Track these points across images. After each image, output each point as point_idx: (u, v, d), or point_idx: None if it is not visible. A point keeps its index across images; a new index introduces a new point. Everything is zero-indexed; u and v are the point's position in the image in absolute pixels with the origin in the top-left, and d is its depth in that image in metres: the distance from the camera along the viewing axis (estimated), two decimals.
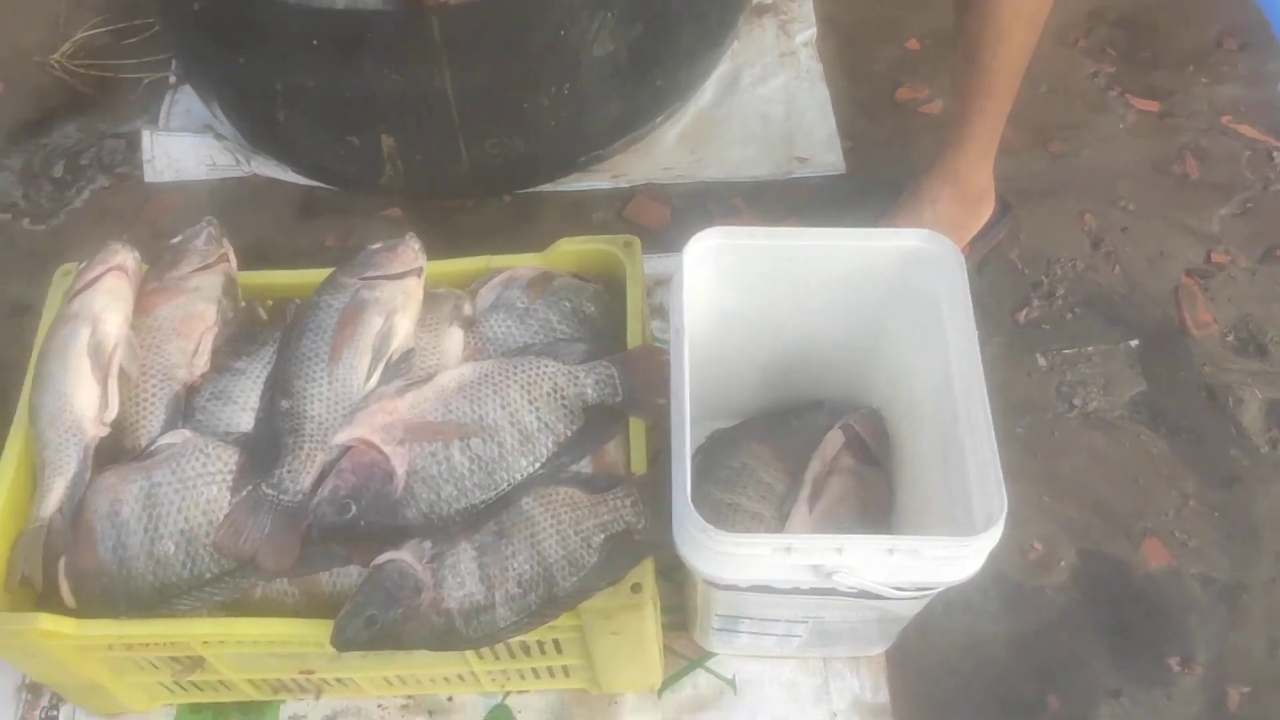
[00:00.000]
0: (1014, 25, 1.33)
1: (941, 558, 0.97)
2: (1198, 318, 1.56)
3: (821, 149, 1.82)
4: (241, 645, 1.08)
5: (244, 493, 1.03)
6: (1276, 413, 1.47)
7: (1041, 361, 1.54)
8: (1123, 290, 1.61)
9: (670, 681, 1.28)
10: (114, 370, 1.09)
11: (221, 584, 1.03)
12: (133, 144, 1.85)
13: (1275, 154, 1.77)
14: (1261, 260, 1.64)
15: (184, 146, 1.82)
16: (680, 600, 1.31)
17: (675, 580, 1.32)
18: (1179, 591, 1.33)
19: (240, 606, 1.08)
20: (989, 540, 0.96)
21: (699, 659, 1.29)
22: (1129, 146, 1.79)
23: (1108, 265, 1.64)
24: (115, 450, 1.09)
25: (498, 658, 1.13)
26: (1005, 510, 0.95)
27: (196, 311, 1.16)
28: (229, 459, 1.05)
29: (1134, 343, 1.55)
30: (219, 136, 1.82)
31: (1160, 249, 1.65)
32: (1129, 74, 1.90)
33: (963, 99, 1.46)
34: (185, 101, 1.91)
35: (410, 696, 1.27)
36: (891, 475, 1.32)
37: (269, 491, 1.03)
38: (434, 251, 1.25)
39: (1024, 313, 1.58)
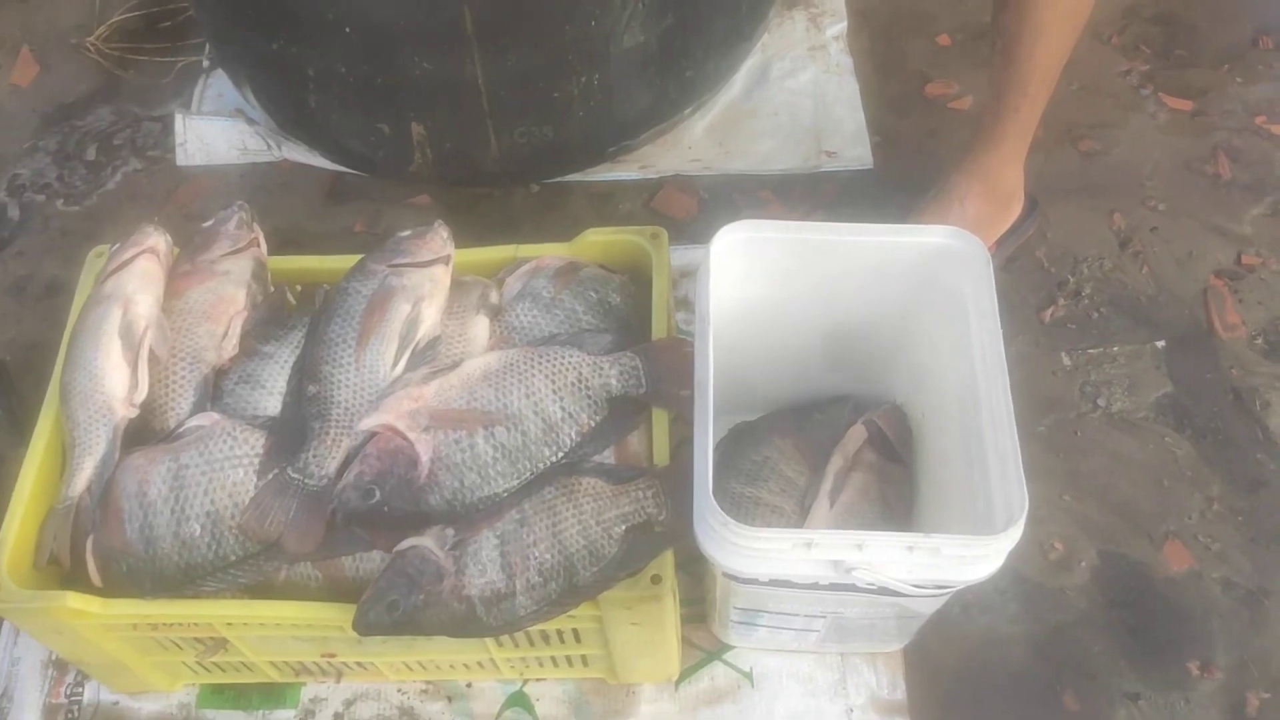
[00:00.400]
0: (1052, 23, 1.32)
1: (962, 556, 0.97)
2: (1226, 320, 1.55)
3: (850, 143, 1.81)
4: (264, 627, 1.09)
5: (270, 476, 1.04)
6: None
7: (1066, 360, 1.53)
8: (1150, 290, 1.60)
9: (688, 673, 1.28)
10: (144, 352, 1.10)
11: (246, 566, 1.05)
12: (166, 127, 1.87)
13: None
14: None
15: (216, 130, 1.84)
16: (699, 593, 1.31)
17: (694, 573, 1.33)
18: (1200, 595, 1.32)
19: (264, 589, 1.09)
20: (1009, 540, 0.95)
21: (716, 651, 1.30)
22: (1161, 145, 1.78)
23: (1136, 265, 1.62)
24: (144, 431, 1.10)
25: (517, 645, 1.14)
26: (1026, 510, 0.95)
27: (226, 295, 1.17)
28: (256, 442, 1.06)
29: (1160, 343, 1.54)
30: (250, 121, 1.83)
31: (1190, 250, 1.64)
32: (1162, 72, 1.89)
33: (997, 97, 1.45)
34: (217, 85, 1.92)
35: (430, 681, 1.28)
36: (914, 472, 1.32)
37: (294, 476, 1.04)
38: (461, 239, 1.26)
39: (1050, 311, 1.58)
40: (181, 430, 1.08)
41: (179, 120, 1.84)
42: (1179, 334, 1.55)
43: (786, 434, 1.31)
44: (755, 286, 1.22)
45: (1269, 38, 1.92)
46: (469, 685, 1.28)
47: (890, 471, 1.28)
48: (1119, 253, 1.64)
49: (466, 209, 1.76)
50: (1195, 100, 1.84)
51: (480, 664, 1.21)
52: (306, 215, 1.77)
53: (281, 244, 1.67)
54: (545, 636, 1.13)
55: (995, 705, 1.26)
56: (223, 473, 1.03)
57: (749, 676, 1.28)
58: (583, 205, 1.76)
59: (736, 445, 1.33)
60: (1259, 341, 1.54)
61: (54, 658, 1.31)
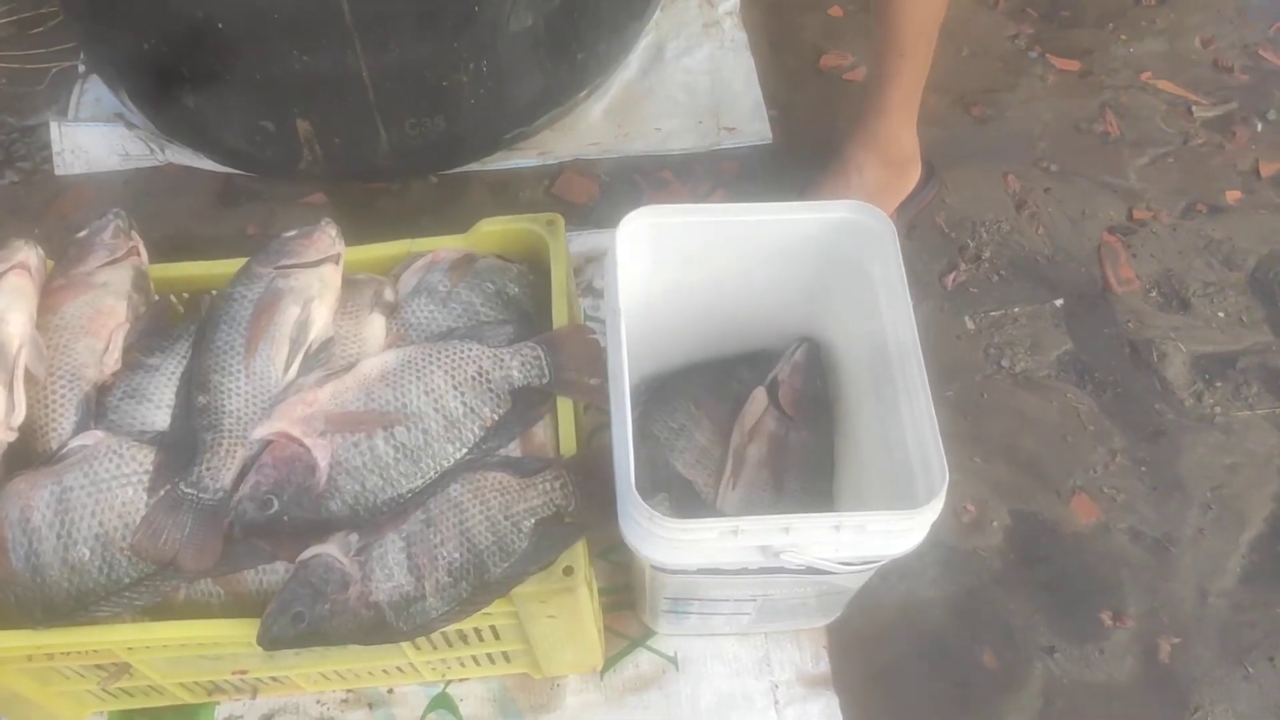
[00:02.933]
0: None
1: (887, 531, 0.97)
2: (1120, 275, 1.58)
3: (748, 119, 1.81)
4: (168, 649, 1.05)
5: (161, 493, 1.00)
6: (1200, 366, 1.50)
7: (970, 324, 1.55)
8: (1047, 250, 1.62)
9: (612, 662, 1.27)
10: (19, 372, 1.04)
11: (142, 588, 1.00)
12: (42, 137, 1.79)
13: (1194, 109, 1.80)
14: (1183, 215, 1.66)
15: (94, 137, 1.77)
16: (622, 580, 1.31)
17: (614, 560, 1.32)
18: (1109, 546, 1.35)
19: (164, 609, 1.05)
20: (932, 512, 0.96)
21: (640, 638, 1.29)
22: (1050, 107, 1.81)
23: (1032, 226, 1.65)
24: (25, 455, 1.05)
25: (435, 647, 1.12)
26: (947, 482, 0.96)
27: (105, 308, 1.12)
28: (144, 459, 1.02)
29: (1059, 302, 1.56)
30: (130, 125, 1.76)
31: (1083, 208, 1.67)
32: (1049, 34, 1.92)
33: (879, 61, 1.46)
34: (95, 90, 1.85)
35: (350, 690, 1.26)
36: (833, 441, 1.32)
37: (188, 490, 1.00)
38: (359, 236, 1.23)
39: (952, 276, 1.59)
40: (64, 451, 1.03)
41: (54, 128, 1.77)
42: (1076, 292, 1.58)
43: (700, 403, 1.31)
44: (663, 270, 1.21)
45: None
46: (390, 691, 1.26)
47: (791, 438, 1.27)
48: (1015, 215, 1.66)
49: (363, 205, 1.72)
50: (1082, 60, 1.87)
51: (399, 668, 1.19)
52: (197, 220, 1.72)
53: (172, 250, 1.63)
54: (463, 636, 1.11)
55: (916, 669, 1.27)
56: (110, 493, 0.99)
57: (674, 661, 1.28)
58: (483, 195, 1.73)
59: (652, 408, 1.31)
60: (1153, 294, 1.57)
61: None
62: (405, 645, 1.08)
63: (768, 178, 1.72)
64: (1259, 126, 1.77)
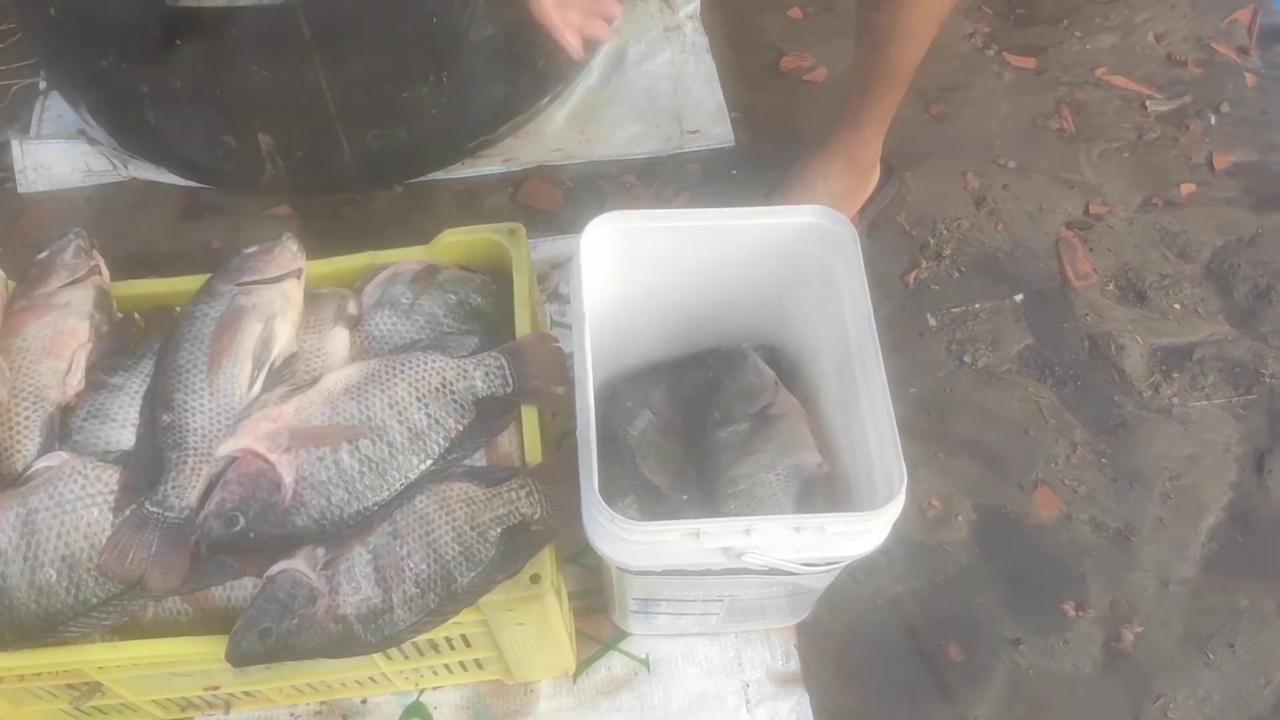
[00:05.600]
0: (922, 26, 1.35)
1: (847, 532, 0.99)
2: (1078, 269, 1.60)
3: (710, 121, 1.82)
4: (138, 667, 1.05)
5: (127, 512, 1.00)
6: (1157, 358, 1.52)
7: (932, 321, 1.56)
8: (1006, 246, 1.64)
9: (584, 665, 1.28)
10: None
11: (109, 608, 1.01)
12: (3, 155, 1.78)
13: (1148, 103, 1.82)
14: (1139, 209, 1.69)
15: (56, 154, 1.76)
16: (594, 584, 1.32)
17: (585, 565, 1.33)
18: (1071, 538, 1.37)
19: (133, 628, 1.05)
20: (892, 513, 0.98)
21: (612, 641, 1.30)
22: (1007, 104, 1.83)
23: (991, 223, 1.67)
24: None
25: (407, 657, 1.13)
26: (905, 483, 0.97)
27: (67, 328, 1.11)
28: (109, 479, 1.02)
29: (1019, 297, 1.59)
30: (93, 141, 1.76)
31: (1040, 204, 1.69)
32: (1005, 32, 1.94)
33: (864, 86, 1.47)
34: (56, 107, 1.84)
35: (323, 703, 1.26)
36: None
37: (153, 509, 1.00)
38: (325, 246, 1.24)
39: (913, 274, 1.61)
40: (29, 473, 1.03)
41: (16, 146, 1.76)
42: (1036, 287, 1.60)
43: (659, 406, 1.31)
44: (629, 276, 1.22)
45: None
46: (364, 702, 1.26)
47: None
48: (975, 212, 1.68)
49: (329, 216, 1.72)
50: (1037, 57, 1.89)
51: (372, 679, 1.19)
52: (162, 235, 1.71)
53: (137, 267, 1.62)
54: (435, 645, 1.12)
55: (885, 664, 1.28)
56: (75, 514, 0.99)
57: (646, 663, 1.29)
58: (448, 203, 1.74)
59: (614, 411, 1.32)
60: (1110, 288, 1.60)
61: None
62: (377, 656, 1.08)
63: (732, 180, 1.74)
64: (1212, 120, 1.80)
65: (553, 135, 1.81)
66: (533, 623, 1.08)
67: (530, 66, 1.67)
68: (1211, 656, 1.28)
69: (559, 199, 1.74)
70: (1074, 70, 1.87)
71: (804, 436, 1.23)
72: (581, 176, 1.76)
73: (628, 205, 1.69)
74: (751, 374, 1.27)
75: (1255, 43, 1.91)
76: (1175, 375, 1.50)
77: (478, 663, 1.20)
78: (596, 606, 1.31)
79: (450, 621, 1.01)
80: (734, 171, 1.75)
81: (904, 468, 0.98)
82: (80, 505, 1.00)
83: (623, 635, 1.30)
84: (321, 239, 1.20)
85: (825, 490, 1.25)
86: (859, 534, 0.99)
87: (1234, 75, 1.86)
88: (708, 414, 1.27)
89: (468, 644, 1.13)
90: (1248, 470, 1.42)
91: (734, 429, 1.23)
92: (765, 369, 1.28)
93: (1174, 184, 1.72)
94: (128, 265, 1.62)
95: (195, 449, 1.03)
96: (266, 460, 1.00)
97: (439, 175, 1.76)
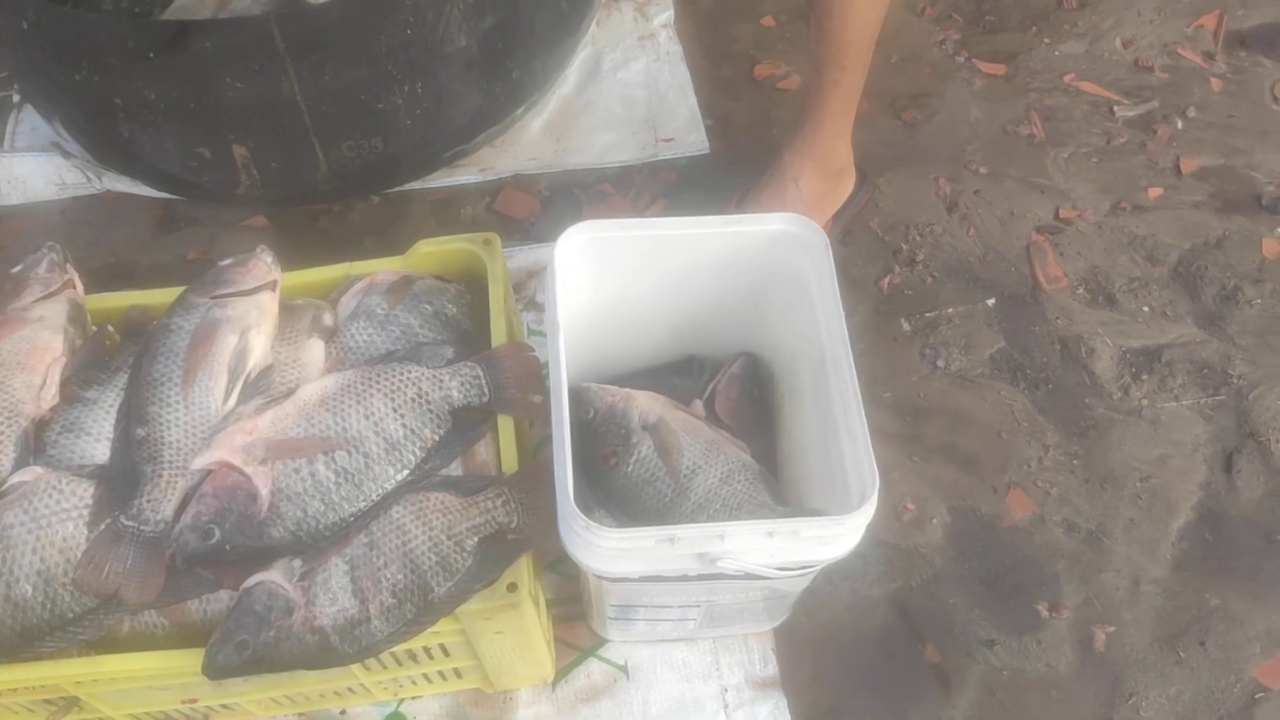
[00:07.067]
0: None
1: (820, 536, 1.00)
2: (1049, 273, 1.62)
3: (685, 129, 1.84)
4: (115, 682, 1.05)
5: (102, 526, 1.00)
6: (1127, 360, 1.54)
7: (906, 326, 1.58)
8: (978, 251, 1.66)
9: (564, 673, 1.29)
10: None
11: (86, 622, 1.00)
12: None
13: (1116, 109, 1.85)
14: (1108, 213, 1.71)
15: (30, 167, 1.76)
16: (572, 591, 1.32)
17: (562, 573, 1.34)
18: (1044, 539, 1.38)
19: (110, 642, 1.05)
20: (863, 517, 0.99)
21: (590, 648, 1.31)
22: (978, 110, 1.85)
23: (963, 228, 1.69)
24: None
25: (385, 667, 1.13)
26: (877, 487, 0.98)
27: (41, 343, 1.11)
28: (84, 493, 1.02)
29: (991, 301, 1.60)
30: (67, 154, 1.76)
31: (1011, 209, 1.71)
32: (975, 39, 1.96)
33: (818, 72, 1.49)
34: (30, 120, 1.84)
35: (302, 714, 1.26)
36: (776, 447, 1.35)
37: (129, 523, 1.00)
38: (302, 257, 1.24)
39: (887, 280, 1.63)
40: (3, 489, 1.02)
41: None
42: (1008, 291, 1.62)
43: None
44: (604, 284, 1.23)
45: None
46: (342, 712, 1.27)
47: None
48: (947, 217, 1.70)
49: (305, 226, 1.72)
50: (1007, 64, 1.92)
51: (351, 690, 1.19)
52: (137, 247, 1.71)
53: (112, 279, 1.62)
54: (413, 655, 1.12)
55: (861, 667, 1.29)
56: (50, 529, 0.99)
57: (624, 670, 1.29)
58: (424, 213, 1.74)
59: (592, 424, 1.32)
60: (1080, 291, 1.62)
61: None
62: (355, 666, 1.08)
63: (707, 186, 1.75)
64: (1179, 124, 1.82)
65: (528, 145, 1.82)
66: (510, 631, 1.08)
67: (505, 77, 1.68)
68: (1182, 655, 1.29)
69: (535, 208, 1.75)
70: (1043, 76, 1.90)
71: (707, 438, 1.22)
72: (558, 185, 1.77)
73: (604, 214, 1.70)
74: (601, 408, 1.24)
75: (1220, 48, 1.94)
76: (1145, 377, 1.52)
77: (456, 671, 1.20)
78: (575, 614, 1.32)
79: (428, 631, 1.02)
80: (708, 178, 1.76)
81: (876, 472, 1.00)
82: (55, 520, 1.00)
83: (601, 642, 1.31)
84: (298, 250, 1.20)
85: (800, 495, 1.26)
86: (832, 538, 1.01)
87: (1200, 80, 1.89)
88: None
89: (446, 653, 1.14)
90: (1216, 470, 1.44)
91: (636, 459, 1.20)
92: (607, 391, 1.25)
93: (1142, 188, 1.74)
94: (103, 278, 1.61)
95: (170, 462, 1.03)
96: (242, 473, 1.00)
97: (415, 185, 1.77)
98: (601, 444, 1.21)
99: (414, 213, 1.74)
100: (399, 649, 1.05)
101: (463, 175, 1.78)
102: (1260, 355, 1.53)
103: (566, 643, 1.31)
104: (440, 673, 1.19)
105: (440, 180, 1.77)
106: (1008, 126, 1.82)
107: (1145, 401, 1.49)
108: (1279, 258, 1.64)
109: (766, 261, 1.22)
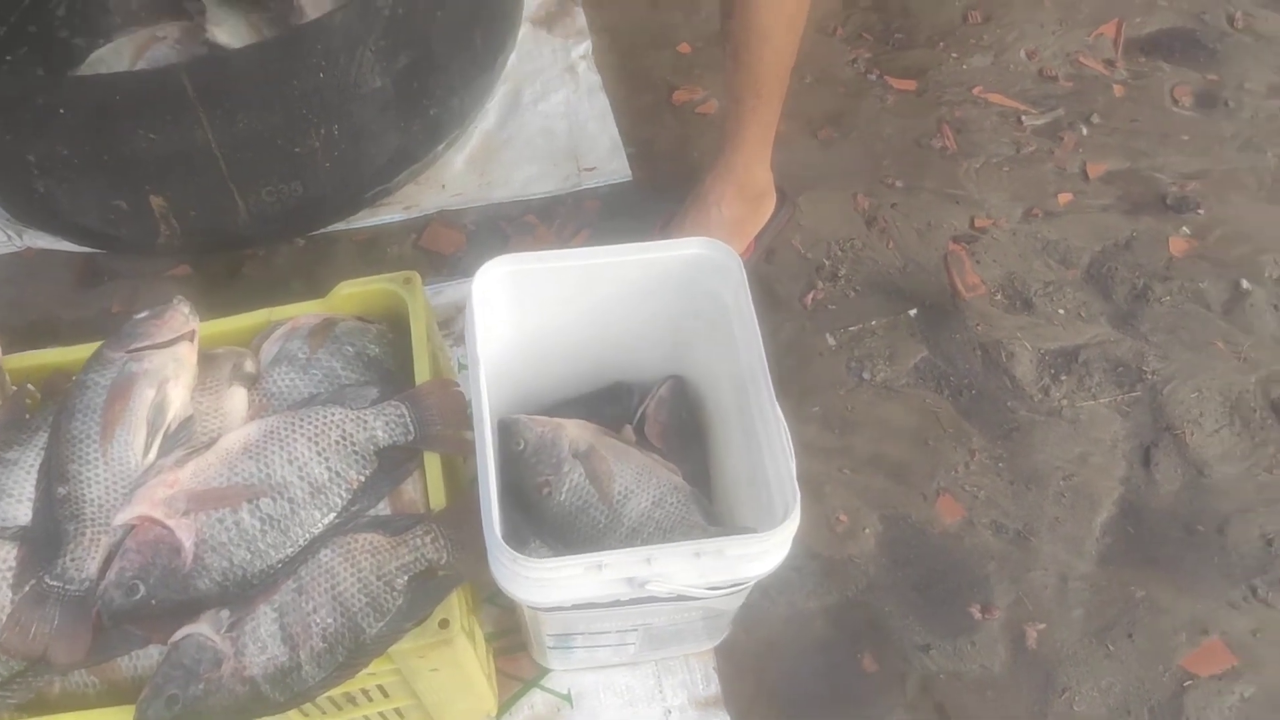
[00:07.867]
0: (775, 27, 1.39)
1: (746, 554, 1.01)
2: (967, 281, 1.65)
3: (607, 158, 1.86)
4: None
5: (26, 588, 0.99)
6: (1045, 362, 1.58)
7: (831, 341, 1.61)
8: (898, 263, 1.70)
9: (507, 705, 1.29)
10: None
11: (14, 685, 1.00)
12: None
13: (1024, 118, 1.90)
14: (1021, 220, 1.75)
15: None
16: (511, 623, 1.32)
17: (501, 605, 1.34)
18: (974, 542, 1.41)
19: (40, 704, 1.04)
20: (787, 532, 1.00)
21: (533, 679, 1.31)
22: (892, 125, 1.89)
23: (883, 242, 1.72)
24: None
25: (324, 712, 1.12)
26: (799, 502, 1.00)
27: None
28: (6, 555, 1.01)
29: (913, 312, 1.64)
30: None
31: (929, 220, 1.75)
32: (885, 56, 2.01)
33: (735, 100, 1.52)
34: None
35: None
36: (708, 469, 1.36)
37: (53, 583, 0.99)
38: (228, 305, 1.24)
39: (811, 296, 1.65)
40: None
41: None
42: (928, 301, 1.65)
43: None
44: (526, 317, 1.24)
45: (977, 12, 2.07)
46: None
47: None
48: (866, 232, 1.74)
49: (230, 273, 1.72)
50: (917, 79, 1.96)
51: None
52: (59, 303, 1.70)
53: (36, 336, 1.61)
54: (352, 698, 1.12)
55: (802, 679, 1.31)
56: None
57: (568, 698, 1.30)
58: (351, 253, 1.74)
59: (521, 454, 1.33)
60: (998, 297, 1.66)
61: None
62: (294, 714, 1.08)
63: (631, 214, 1.77)
64: (1084, 130, 1.88)
65: (452, 180, 1.83)
66: (446, 668, 1.08)
67: (423, 115, 1.69)
68: (1111, 647, 1.32)
69: (461, 243, 1.75)
70: (953, 90, 1.94)
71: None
72: (483, 219, 1.78)
73: (530, 245, 1.71)
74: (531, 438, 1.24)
75: (1121, 55, 2.00)
76: (1063, 378, 1.56)
77: (398, 712, 1.20)
78: (516, 645, 1.32)
79: (362, 673, 1.02)
80: (632, 205, 1.78)
81: (797, 487, 1.01)
82: None
83: (544, 672, 1.31)
84: (224, 297, 1.20)
85: (732, 514, 1.28)
86: (759, 554, 1.02)
87: (1102, 87, 1.95)
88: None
89: (385, 694, 1.13)
90: (1135, 465, 1.48)
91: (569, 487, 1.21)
92: (537, 422, 1.24)
93: (1052, 194, 1.79)
94: (28, 336, 1.60)
95: (93, 520, 1.02)
96: (164, 526, 1.00)
97: (340, 226, 1.77)
98: (533, 474, 1.22)
99: (340, 253, 1.74)
100: (336, 693, 1.04)
101: (387, 214, 1.79)
102: (1172, 350, 1.58)
103: (509, 674, 1.31)
104: (381, 714, 1.18)
105: (365, 220, 1.78)
106: (921, 140, 1.87)
107: (1065, 402, 1.53)
108: (1185, 255, 1.70)
109: (684, 286, 1.24)
